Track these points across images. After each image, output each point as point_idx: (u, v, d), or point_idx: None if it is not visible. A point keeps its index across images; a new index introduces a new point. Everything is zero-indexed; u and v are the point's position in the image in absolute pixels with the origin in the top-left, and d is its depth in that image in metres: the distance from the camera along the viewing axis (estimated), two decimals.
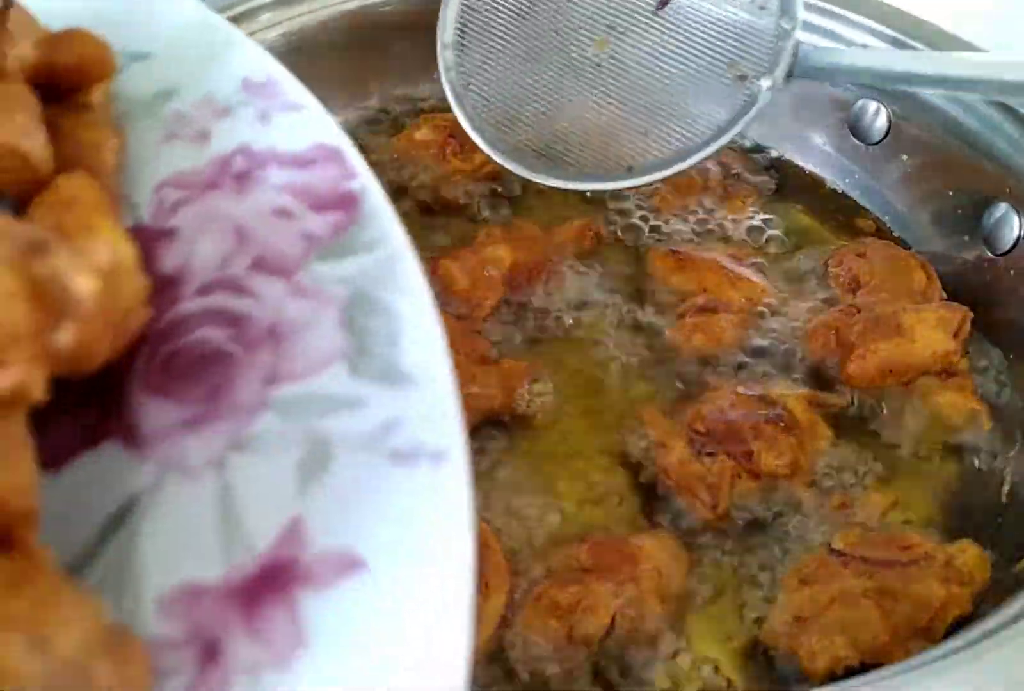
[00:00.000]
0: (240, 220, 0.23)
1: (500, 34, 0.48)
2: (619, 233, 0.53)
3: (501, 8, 0.48)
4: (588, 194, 0.53)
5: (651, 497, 0.42)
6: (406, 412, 0.20)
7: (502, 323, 0.48)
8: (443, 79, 0.48)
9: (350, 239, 0.23)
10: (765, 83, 0.43)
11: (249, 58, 0.27)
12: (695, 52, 0.44)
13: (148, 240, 0.23)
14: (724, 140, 0.44)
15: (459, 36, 0.48)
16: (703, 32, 0.44)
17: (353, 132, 0.58)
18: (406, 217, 0.58)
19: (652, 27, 0.45)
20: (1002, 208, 0.49)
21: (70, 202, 0.20)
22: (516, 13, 0.48)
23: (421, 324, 0.22)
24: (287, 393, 0.21)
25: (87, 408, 0.20)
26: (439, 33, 0.48)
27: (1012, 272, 0.48)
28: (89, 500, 0.20)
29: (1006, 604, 0.34)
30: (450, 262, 0.48)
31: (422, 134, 0.55)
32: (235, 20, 0.52)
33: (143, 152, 0.25)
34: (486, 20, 0.48)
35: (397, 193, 0.55)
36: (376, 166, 0.56)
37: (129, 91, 0.26)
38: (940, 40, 0.52)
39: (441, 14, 0.48)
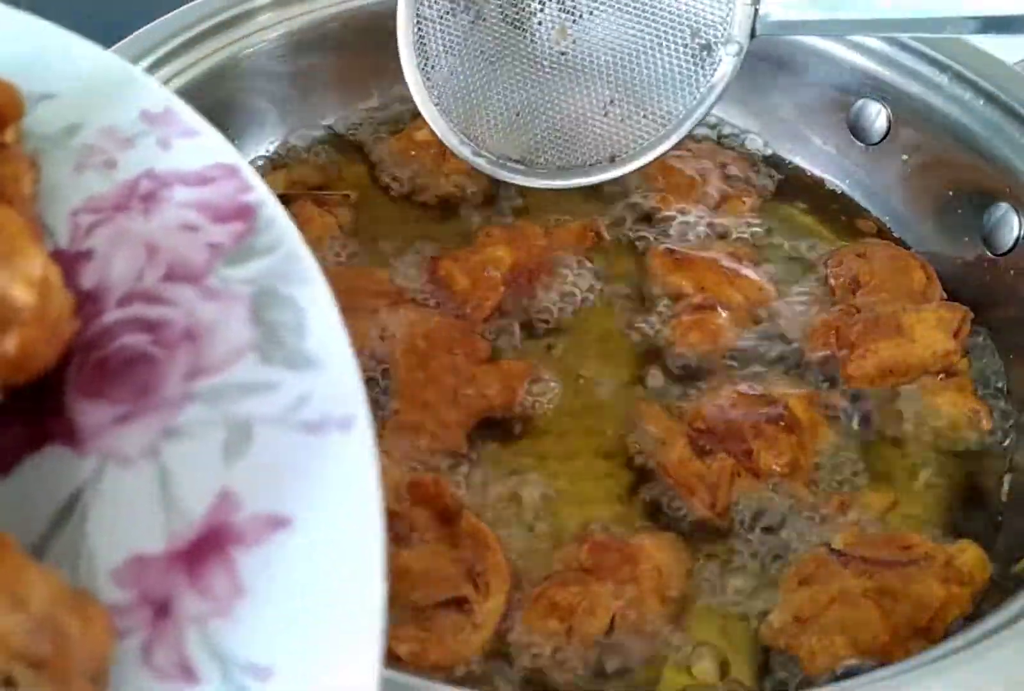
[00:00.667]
0: (150, 236, 0.26)
1: (459, 43, 0.48)
2: (619, 233, 0.53)
3: (455, 14, 0.48)
4: (593, 188, 0.53)
5: (651, 496, 0.42)
6: (314, 390, 0.23)
7: (502, 323, 0.48)
8: (414, 97, 0.48)
9: (251, 244, 0.26)
10: (731, 49, 0.43)
11: (147, 92, 0.29)
12: (656, 27, 0.44)
13: (68, 262, 0.25)
14: (701, 113, 0.44)
15: (421, 50, 0.48)
16: (658, 4, 0.44)
17: (353, 132, 0.58)
18: (406, 217, 0.58)
19: (607, 6, 0.45)
20: (1002, 208, 0.49)
21: None
22: (470, 18, 0.48)
23: (322, 313, 0.24)
24: (207, 385, 0.23)
25: (28, 415, 0.22)
26: (401, 53, 0.48)
27: (1012, 272, 0.48)
28: (38, 496, 0.23)
29: (1006, 604, 0.34)
30: (450, 262, 0.48)
31: (423, 134, 0.55)
32: (235, 20, 0.52)
33: (56, 182, 0.27)
34: (443, 31, 0.48)
35: (396, 193, 0.55)
36: (376, 166, 0.56)
37: (39, 128, 0.28)
38: (941, 40, 0.52)
39: (398, 35, 0.48)
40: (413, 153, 0.55)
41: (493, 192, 0.55)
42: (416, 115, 0.58)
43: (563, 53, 0.47)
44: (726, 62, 0.43)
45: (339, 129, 0.58)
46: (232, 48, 0.52)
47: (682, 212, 0.53)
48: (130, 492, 0.22)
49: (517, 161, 0.48)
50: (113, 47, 0.49)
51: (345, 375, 0.23)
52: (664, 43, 0.44)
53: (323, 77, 0.57)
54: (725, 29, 0.43)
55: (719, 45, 0.43)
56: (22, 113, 0.27)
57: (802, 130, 0.57)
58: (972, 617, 0.37)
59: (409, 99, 0.59)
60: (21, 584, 0.19)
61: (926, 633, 0.37)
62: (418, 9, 0.48)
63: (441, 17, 0.48)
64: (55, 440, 0.23)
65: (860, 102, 0.55)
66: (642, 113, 0.45)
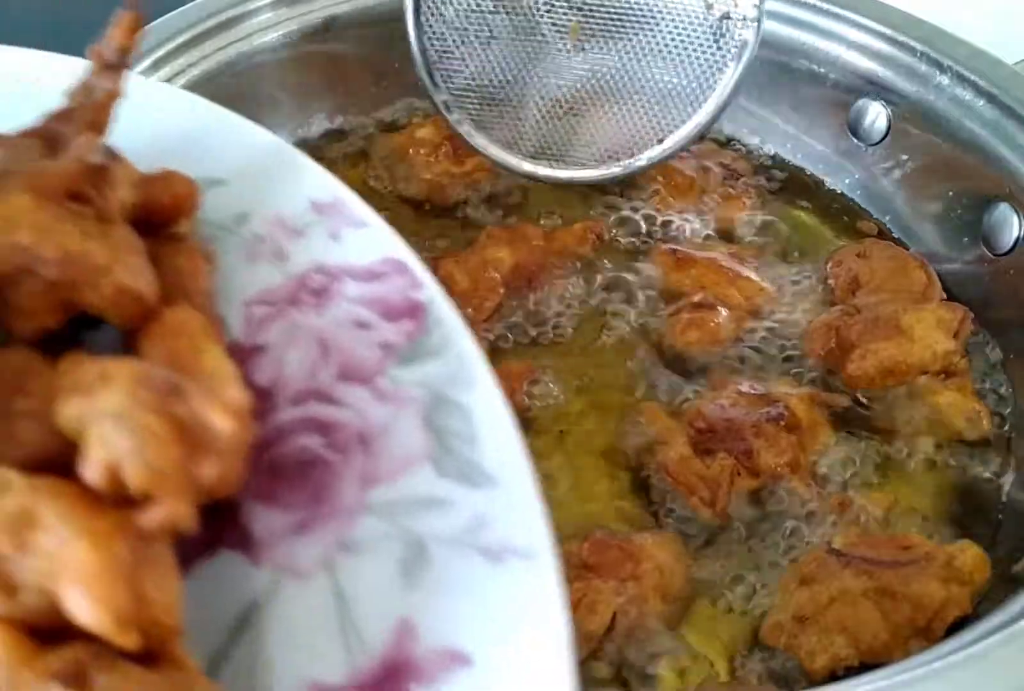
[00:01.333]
0: (322, 332, 0.25)
1: (475, 43, 0.48)
2: (620, 234, 0.53)
3: (469, 16, 0.48)
4: (594, 189, 0.54)
5: (652, 495, 0.42)
6: (492, 511, 0.22)
7: (502, 324, 0.48)
8: (433, 99, 0.48)
9: (422, 345, 0.25)
10: (750, 12, 0.43)
11: (315, 180, 0.29)
12: (669, 7, 0.44)
13: (243, 355, 0.25)
14: (731, 83, 0.43)
15: (433, 48, 0.48)
16: None
17: (353, 132, 0.58)
18: (406, 217, 0.58)
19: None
20: (1002, 208, 0.49)
21: (178, 331, 0.22)
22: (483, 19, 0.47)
23: (496, 422, 0.23)
24: (381, 495, 0.22)
25: (203, 519, 0.20)
26: (414, 58, 0.48)
27: (1012, 272, 0.48)
28: (212, 606, 0.22)
29: (1006, 604, 0.34)
30: (451, 263, 0.48)
31: (423, 132, 0.55)
32: (235, 20, 0.52)
33: (229, 272, 0.27)
34: (455, 34, 0.48)
35: (396, 193, 0.55)
36: (376, 166, 0.56)
37: (209, 215, 0.28)
38: (938, 39, 0.52)
39: (410, 38, 0.47)
40: (412, 152, 0.55)
41: (494, 192, 0.55)
42: (416, 114, 0.58)
43: (582, 49, 0.47)
44: (746, 30, 0.43)
45: (339, 129, 0.58)
46: (232, 48, 0.52)
47: (683, 212, 0.53)
48: (307, 611, 0.21)
49: (540, 153, 0.48)
50: None
51: (525, 496, 0.22)
52: (683, 23, 0.44)
53: (323, 77, 0.57)
54: None
55: (737, 16, 0.43)
56: (197, 206, 0.27)
57: (802, 130, 0.57)
58: (972, 617, 0.37)
59: (409, 98, 0.59)
60: None
61: (926, 633, 0.37)
62: None
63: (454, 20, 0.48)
64: (230, 546, 0.22)
65: (860, 102, 0.55)
66: (672, 99, 0.45)
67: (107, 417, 0.19)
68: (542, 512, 0.22)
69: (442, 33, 0.48)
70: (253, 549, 0.22)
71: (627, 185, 0.54)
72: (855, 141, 0.56)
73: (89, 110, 0.25)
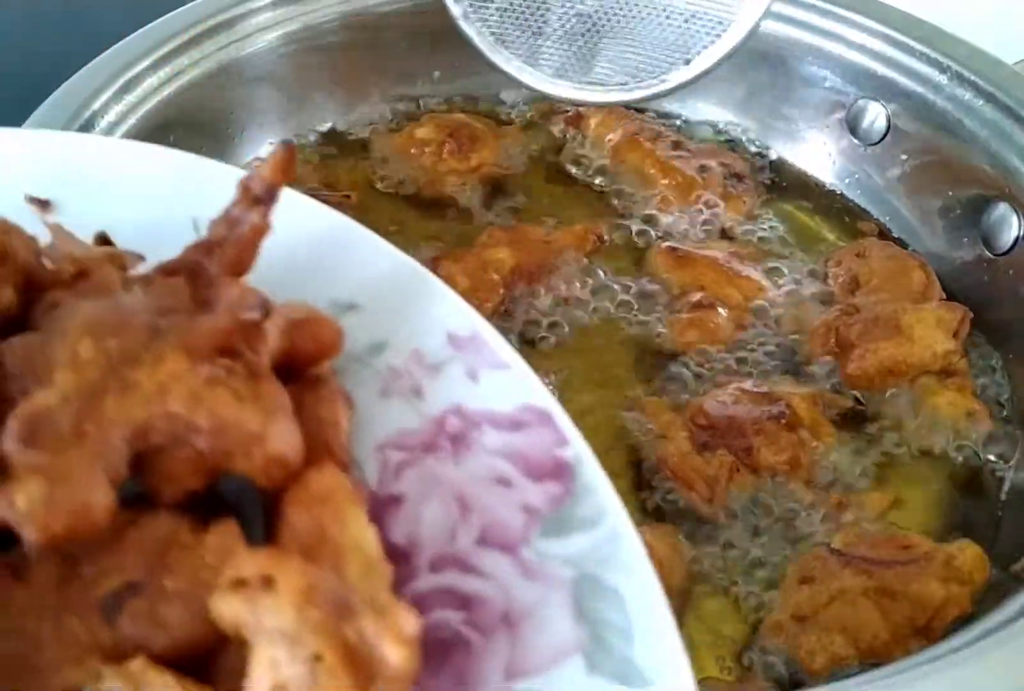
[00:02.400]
0: (461, 487, 0.23)
1: None
2: (621, 234, 0.53)
3: None
4: (596, 189, 0.53)
5: (651, 490, 0.42)
6: None
7: (502, 325, 0.48)
8: (451, 10, 0.45)
9: (570, 513, 0.23)
10: None
11: (453, 310, 0.27)
12: None
13: (378, 506, 0.23)
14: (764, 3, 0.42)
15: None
16: None
17: (353, 132, 0.58)
18: (407, 217, 0.58)
19: None
20: (1001, 208, 0.49)
21: (324, 499, 0.21)
22: None
23: (653, 613, 0.21)
24: (528, 688, 0.20)
25: None
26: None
27: (1011, 272, 0.48)
28: None
29: (1005, 603, 0.34)
30: (451, 263, 0.48)
31: (423, 132, 0.55)
32: (235, 20, 0.52)
33: (363, 407, 0.25)
34: None
35: (397, 193, 0.55)
36: (376, 166, 0.56)
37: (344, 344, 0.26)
38: (938, 39, 0.52)
39: None
40: (414, 152, 0.55)
41: (495, 192, 0.55)
42: (419, 115, 0.58)
43: None
44: None
45: (339, 129, 0.58)
46: (232, 48, 0.52)
47: (683, 212, 0.53)
48: None
49: (561, 72, 0.46)
50: (114, 47, 0.49)
51: None
52: None
53: (323, 77, 0.57)
54: None
55: None
56: (340, 350, 0.25)
57: (802, 130, 0.57)
58: (971, 616, 0.37)
59: (410, 98, 0.59)
60: None
61: (925, 632, 0.37)
62: None
63: None
64: None
65: (859, 102, 0.55)
66: (698, 14, 0.43)
67: (276, 637, 0.18)
68: None
69: None
70: None
71: (629, 184, 0.54)
72: (855, 141, 0.56)
73: (234, 245, 0.24)
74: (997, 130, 0.49)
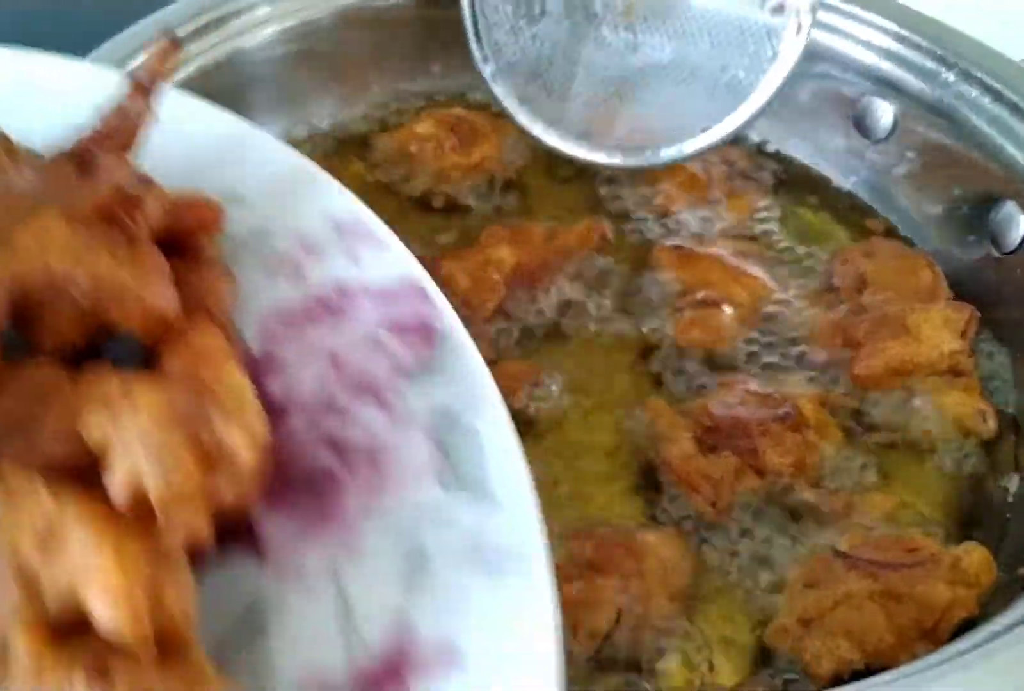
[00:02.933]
0: (337, 350, 0.26)
1: (526, 17, 0.47)
2: (624, 233, 0.52)
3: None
4: (595, 190, 0.53)
5: (656, 493, 0.42)
6: (493, 526, 0.23)
7: (503, 324, 0.47)
8: (480, 70, 0.47)
9: (434, 365, 0.26)
10: (803, 8, 0.42)
11: (337, 198, 0.30)
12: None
13: (258, 370, 0.26)
14: (780, 77, 0.43)
15: (485, 18, 0.47)
16: None
17: (352, 128, 0.58)
18: (407, 215, 0.57)
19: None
20: (1009, 206, 0.48)
21: (200, 351, 0.24)
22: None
23: (502, 444, 0.24)
24: (388, 507, 0.24)
25: (216, 519, 0.21)
26: (465, 28, 0.47)
27: (1019, 271, 0.48)
28: (220, 604, 0.23)
29: (1013, 606, 0.34)
30: (452, 263, 0.48)
31: (423, 127, 0.55)
32: (232, 15, 0.52)
33: (247, 287, 0.28)
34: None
35: (396, 190, 0.54)
36: (375, 163, 0.56)
37: (229, 231, 0.28)
38: (945, 36, 0.52)
39: (463, 6, 0.47)
40: (413, 149, 0.54)
41: (496, 188, 0.54)
42: (418, 110, 0.58)
43: (635, 40, 0.46)
44: (803, 19, 0.42)
45: (338, 125, 0.58)
46: (229, 43, 0.52)
47: (687, 210, 0.53)
48: (310, 612, 0.22)
49: (583, 135, 0.47)
50: (109, 41, 0.48)
51: (525, 515, 0.23)
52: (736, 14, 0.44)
53: (321, 72, 0.57)
54: None
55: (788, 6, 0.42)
56: (221, 229, 0.28)
57: (808, 127, 0.57)
58: (978, 619, 0.37)
59: (409, 94, 0.59)
60: (202, 688, 0.19)
61: (932, 635, 0.36)
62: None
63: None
64: (240, 548, 0.24)
65: (866, 99, 0.54)
66: (725, 87, 0.44)
67: (133, 437, 0.20)
68: (540, 530, 0.23)
69: (495, 4, 0.47)
70: (261, 552, 0.23)
71: (632, 182, 0.54)
72: (861, 138, 0.55)
73: (122, 133, 0.27)
74: (1004, 127, 0.49)
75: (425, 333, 0.27)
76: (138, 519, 0.20)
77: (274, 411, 0.25)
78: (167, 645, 0.20)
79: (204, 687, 0.20)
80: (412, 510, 0.24)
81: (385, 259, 0.28)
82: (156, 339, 0.24)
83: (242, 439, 0.21)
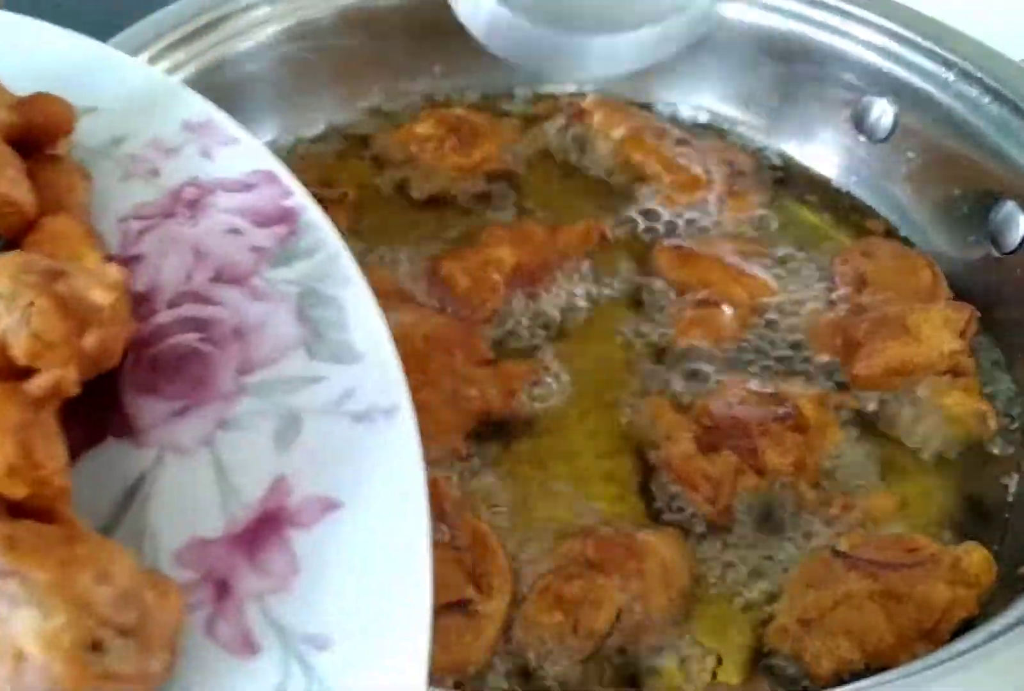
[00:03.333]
0: (197, 241, 0.28)
1: None
2: (624, 233, 0.52)
3: None
4: (595, 190, 0.53)
5: (656, 492, 0.42)
6: (359, 382, 0.25)
7: (504, 325, 0.47)
8: None
9: (293, 247, 0.27)
10: None
11: (188, 103, 0.31)
12: None
13: (120, 266, 0.27)
14: None
15: None
16: None
17: (353, 128, 0.58)
18: (408, 214, 0.57)
19: None
20: (1008, 206, 0.48)
21: (57, 238, 0.25)
22: None
23: (363, 310, 0.26)
24: (257, 379, 0.25)
25: (88, 411, 0.23)
26: None
27: (1019, 271, 0.48)
28: (101, 485, 0.24)
29: (1012, 606, 0.34)
30: (452, 263, 0.48)
31: (423, 128, 0.55)
32: (233, 15, 0.52)
33: (104, 192, 0.29)
34: None
35: (397, 190, 0.54)
36: (376, 163, 0.56)
37: (85, 141, 0.30)
38: (945, 36, 0.52)
39: None
40: (414, 148, 0.54)
41: (496, 188, 0.54)
42: (418, 110, 0.58)
43: None
44: None
45: (338, 125, 0.58)
46: (230, 43, 0.52)
47: (687, 210, 0.53)
48: (188, 480, 0.24)
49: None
50: (110, 41, 0.48)
51: (387, 367, 0.25)
52: None
53: (321, 73, 0.57)
54: None
55: None
56: (73, 127, 0.28)
57: (808, 127, 0.57)
58: (978, 619, 0.37)
59: (410, 94, 0.59)
60: (105, 560, 0.20)
61: (932, 635, 0.36)
62: None
63: None
64: (114, 434, 0.25)
65: (866, 99, 0.54)
66: None
67: None
68: (401, 379, 0.25)
69: None
70: (136, 434, 0.25)
71: (632, 182, 0.54)
72: (861, 138, 0.55)
73: None
74: (1004, 127, 0.49)
75: (282, 217, 0.27)
76: (7, 377, 0.21)
77: (138, 303, 0.26)
78: (41, 501, 0.20)
79: (102, 552, 0.20)
80: (283, 379, 0.25)
81: (238, 153, 0.29)
82: (15, 233, 0.25)
83: (100, 287, 0.22)
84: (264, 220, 0.28)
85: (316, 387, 0.25)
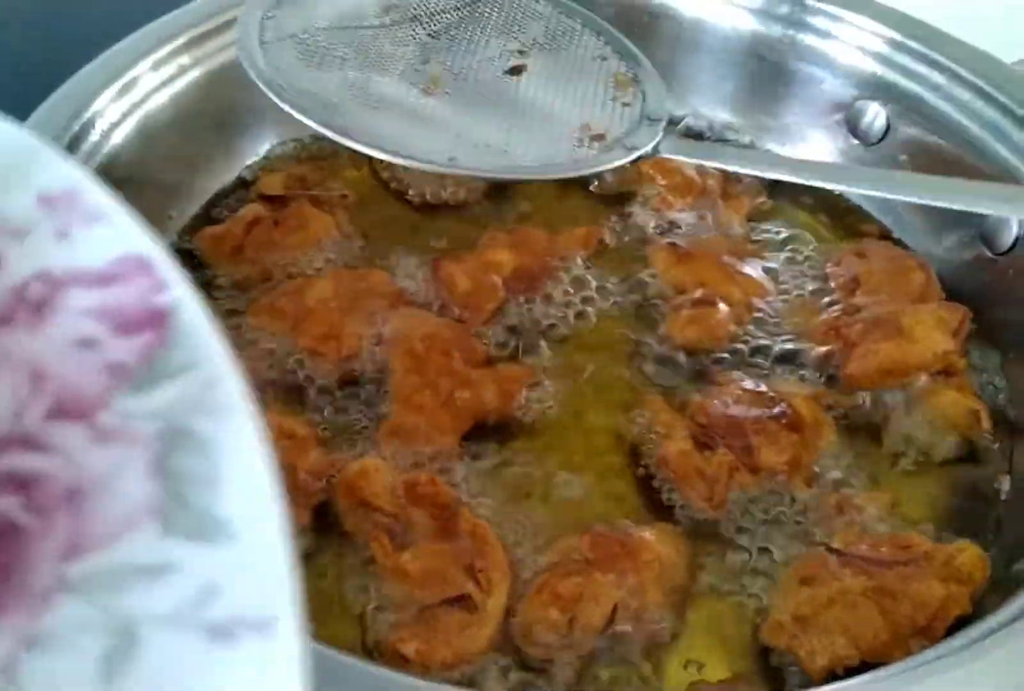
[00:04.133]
0: (36, 358, 0.22)
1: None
2: (622, 236, 0.52)
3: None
4: (594, 191, 0.54)
5: (652, 489, 0.42)
6: (225, 575, 0.18)
7: (502, 327, 0.48)
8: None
9: (161, 363, 0.21)
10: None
11: (49, 170, 0.24)
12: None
13: None
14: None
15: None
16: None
17: None
18: (409, 216, 0.57)
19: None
20: None
21: None
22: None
23: (243, 458, 0.19)
24: (87, 568, 0.19)
25: None
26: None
27: (1011, 272, 0.48)
28: None
29: (1006, 603, 0.34)
30: (452, 264, 0.48)
31: None
32: (236, 20, 0.52)
33: None
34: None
35: (397, 192, 0.55)
36: (377, 165, 0.56)
37: None
38: (937, 39, 0.52)
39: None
40: None
41: (496, 191, 0.55)
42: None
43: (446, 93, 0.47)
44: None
45: None
46: (233, 48, 0.52)
47: (684, 211, 0.53)
48: None
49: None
50: (112, 48, 0.49)
51: (269, 553, 0.18)
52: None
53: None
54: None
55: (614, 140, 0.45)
56: None
57: (801, 130, 0.57)
58: (972, 617, 0.37)
59: None
60: None
61: (926, 632, 0.37)
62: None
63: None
64: None
65: (858, 103, 0.55)
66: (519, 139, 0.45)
67: None
68: (289, 570, 0.18)
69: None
70: None
71: (629, 185, 0.54)
72: (854, 141, 0.56)
73: None
74: (995, 130, 0.49)
75: (150, 321, 0.21)
76: None
77: None
78: None
79: None
80: (120, 568, 0.18)
81: (104, 234, 0.23)
82: None
83: None
84: (127, 325, 0.21)
85: (164, 582, 0.18)
